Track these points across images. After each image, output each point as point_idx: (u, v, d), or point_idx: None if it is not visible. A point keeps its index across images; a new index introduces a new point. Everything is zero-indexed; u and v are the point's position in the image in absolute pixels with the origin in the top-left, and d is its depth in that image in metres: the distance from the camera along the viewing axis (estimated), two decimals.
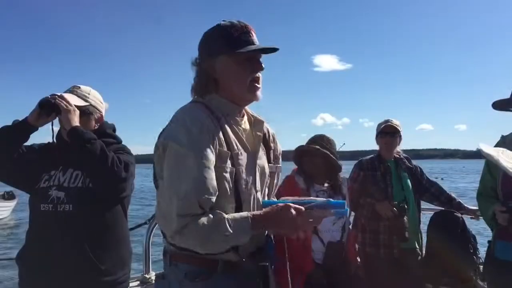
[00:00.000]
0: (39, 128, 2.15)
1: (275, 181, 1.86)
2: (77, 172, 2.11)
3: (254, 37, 1.62)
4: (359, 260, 3.36)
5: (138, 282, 3.26)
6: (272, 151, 1.82)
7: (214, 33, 1.64)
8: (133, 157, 2.21)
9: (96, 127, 2.23)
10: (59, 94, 2.09)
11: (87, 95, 2.21)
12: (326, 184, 3.18)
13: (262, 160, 1.73)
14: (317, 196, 3.11)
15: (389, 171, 3.44)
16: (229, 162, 1.58)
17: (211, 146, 1.52)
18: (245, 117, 1.75)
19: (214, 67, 1.63)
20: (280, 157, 1.89)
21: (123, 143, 2.34)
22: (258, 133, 1.74)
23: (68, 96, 2.12)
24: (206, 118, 1.58)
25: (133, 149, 2.33)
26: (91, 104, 2.20)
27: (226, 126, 1.63)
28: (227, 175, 1.57)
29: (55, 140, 2.20)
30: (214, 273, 1.59)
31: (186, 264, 1.61)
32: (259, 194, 1.69)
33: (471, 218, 3.44)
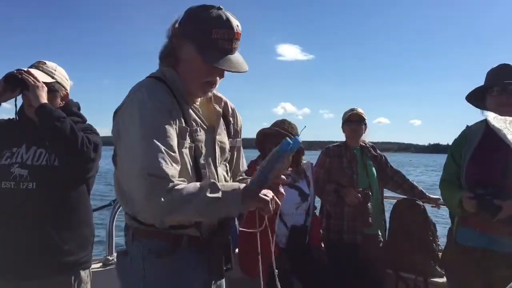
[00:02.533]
0: None
1: (235, 155, 1.84)
2: (41, 150, 2.06)
3: (235, 45, 1.56)
4: (323, 245, 3.41)
5: (101, 264, 3.20)
6: (232, 125, 1.80)
7: (197, 17, 1.56)
8: (100, 137, 2.16)
9: (61, 105, 2.15)
10: (25, 69, 2.02)
11: (53, 71, 2.14)
12: (289, 169, 3.18)
13: (221, 135, 1.72)
14: None
15: (355, 158, 3.49)
16: (188, 138, 1.57)
17: (170, 121, 1.50)
18: None
19: (181, 49, 1.59)
20: (241, 131, 1.87)
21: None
22: (218, 109, 1.73)
23: (35, 72, 2.05)
24: (164, 94, 1.56)
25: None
26: (57, 81, 2.13)
27: (184, 103, 1.61)
28: (187, 151, 1.56)
29: (17, 117, 2.13)
30: (177, 248, 1.58)
31: (150, 239, 1.59)
32: (219, 169, 1.69)
33: (432, 206, 3.53)
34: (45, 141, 2.02)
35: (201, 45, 1.53)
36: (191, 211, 1.43)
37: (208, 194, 1.43)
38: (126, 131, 1.51)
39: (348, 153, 3.49)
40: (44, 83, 2.03)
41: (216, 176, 1.65)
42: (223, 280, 1.79)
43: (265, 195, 1.53)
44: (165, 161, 1.42)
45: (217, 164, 1.68)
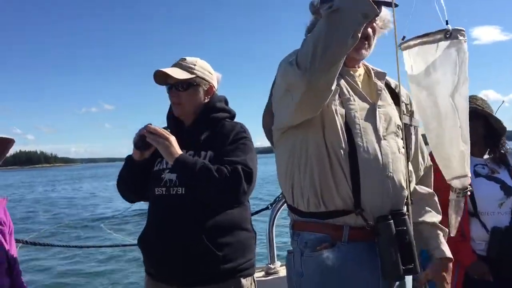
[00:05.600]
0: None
1: (413, 140, 1.66)
2: (190, 153, 1.99)
3: None
4: None
5: (263, 273, 2.97)
6: (405, 104, 1.67)
7: None
8: (251, 144, 2.03)
9: (206, 100, 2.11)
10: (146, 126, 1.96)
11: (192, 66, 2.10)
12: (485, 156, 2.54)
13: (386, 109, 1.58)
14: (474, 172, 2.48)
15: None
16: (337, 99, 1.49)
17: None
18: (361, 69, 1.66)
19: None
20: (416, 116, 1.69)
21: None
22: (379, 84, 1.62)
23: (172, 71, 2.03)
24: None
25: None
26: (197, 76, 2.09)
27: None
28: (336, 111, 1.47)
29: (167, 123, 2.18)
30: (338, 242, 1.43)
31: (308, 232, 1.49)
32: (384, 142, 1.50)
33: None
34: (193, 144, 2.01)
35: None
36: (320, 39, 1.28)
37: (324, 14, 1.28)
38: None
39: None
40: (184, 79, 2.04)
41: (377, 147, 1.48)
42: (408, 283, 1.52)
43: None
44: None
45: (381, 136, 1.50)
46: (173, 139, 1.94)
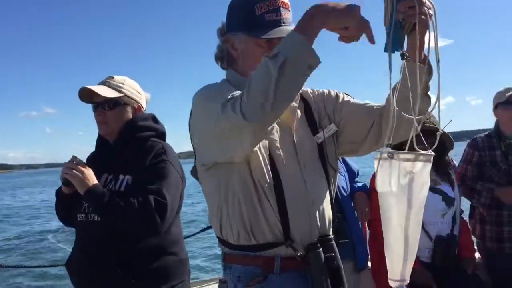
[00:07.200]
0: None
1: (333, 148, 1.57)
2: (107, 177, 2.01)
3: (284, 15, 1.44)
4: (477, 257, 2.89)
5: None
6: (316, 112, 1.58)
7: (237, 5, 1.50)
8: (170, 166, 1.96)
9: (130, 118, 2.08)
10: (66, 164, 1.97)
11: (120, 85, 2.06)
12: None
13: (303, 132, 1.53)
14: None
15: None
16: None
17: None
18: None
19: (233, 44, 1.51)
20: (338, 97, 1.59)
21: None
22: (293, 105, 1.50)
23: (99, 89, 1.99)
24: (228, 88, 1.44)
25: None
26: (125, 95, 2.05)
27: None
28: (260, 147, 1.40)
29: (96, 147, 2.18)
30: (270, 274, 1.41)
31: (240, 265, 1.45)
32: (306, 170, 1.48)
33: None
34: (114, 166, 2.01)
35: (248, 27, 1.44)
36: (269, 92, 1.19)
37: (272, 66, 1.18)
38: (193, 119, 1.46)
39: (503, 144, 2.88)
40: (111, 98, 2.00)
41: (299, 176, 1.46)
42: None
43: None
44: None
45: (302, 164, 1.48)
46: (88, 172, 1.91)
